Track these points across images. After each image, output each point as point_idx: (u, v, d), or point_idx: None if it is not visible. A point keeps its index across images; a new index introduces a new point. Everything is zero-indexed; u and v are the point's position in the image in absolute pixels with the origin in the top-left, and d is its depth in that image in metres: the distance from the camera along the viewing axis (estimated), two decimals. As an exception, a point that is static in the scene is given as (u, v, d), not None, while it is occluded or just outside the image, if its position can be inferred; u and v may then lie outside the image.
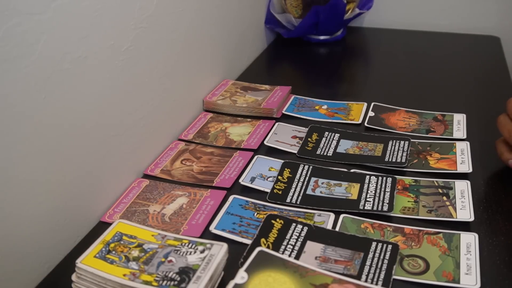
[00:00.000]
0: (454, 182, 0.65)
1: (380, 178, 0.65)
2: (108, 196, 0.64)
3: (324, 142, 0.75)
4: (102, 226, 0.60)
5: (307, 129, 0.78)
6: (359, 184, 0.65)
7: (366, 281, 0.50)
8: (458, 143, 0.73)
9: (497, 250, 0.55)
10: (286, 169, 0.68)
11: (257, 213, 0.61)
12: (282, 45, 1.18)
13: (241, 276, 0.47)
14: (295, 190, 0.65)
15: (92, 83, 0.58)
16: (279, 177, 0.67)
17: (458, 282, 0.50)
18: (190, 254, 0.51)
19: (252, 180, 0.67)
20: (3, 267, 0.49)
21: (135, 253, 0.51)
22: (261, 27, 1.15)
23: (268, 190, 0.65)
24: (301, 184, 0.66)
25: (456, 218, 0.59)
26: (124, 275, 0.48)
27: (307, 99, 0.89)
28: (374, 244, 0.55)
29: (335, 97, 0.90)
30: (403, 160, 0.69)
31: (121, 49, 0.63)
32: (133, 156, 0.68)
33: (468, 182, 0.64)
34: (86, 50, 0.56)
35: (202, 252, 0.51)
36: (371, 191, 0.63)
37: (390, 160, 0.69)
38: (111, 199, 0.64)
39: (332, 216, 0.60)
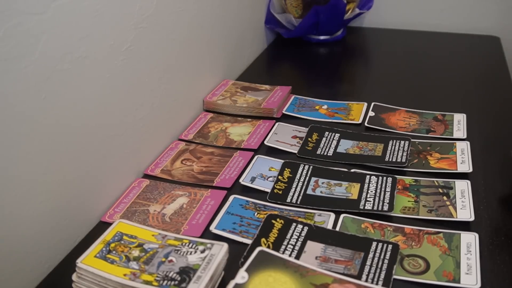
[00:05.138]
0: (454, 182, 0.65)
1: (380, 178, 0.65)
2: (109, 196, 0.64)
3: (324, 142, 0.75)
4: (102, 226, 0.60)
5: (307, 129, 0.78)
6: (359, 184, 0.65)
7: (366, 281, 0.50)
8: (458, 143, 0.73)
9: (497, 250, 0.55)
10: (286, 169, 0.68)
11: (258, 213, 0.61)
12: (282, 45, 1.18)
13: (241, 276, 0.47)
14: (295, 190, 0.65)
15: (92, 83, 0.58)
16: (279, 177, 0.67)
17: (459, 282, 0.50)
18: (190, 254, 0.51)
19: (253, 180, 0.67)
20: (3, 267, 0.49)
21: (136, 253, 0.51)
22: (261, 27, 1.15)
23: (268, 190, 0.65)
24: (301, 184, 0.66)
25: (456, 218, 0.59)
26: (125, 275, 0.48)
27: (307, 99, 0.89)
28: (374, 244, 0.55)
29: (335, 97, 0.90)
30: (403, 160, 0.69)
31: (121, 49, 0.63)
32: (133, 156, 0.68)
33: (468, 182, 0.64)
34: (86, 50, 0.56)
35: (202, 252, 0.51)
36: (371, 191, 0.63)
37: (390, 160, 0.69)
38: (112, 199, 0.64)
39: (333, 216, 0.60)
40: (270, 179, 0.67)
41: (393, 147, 0.72)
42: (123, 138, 0.65)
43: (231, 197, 0.63)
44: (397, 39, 1.20)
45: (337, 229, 0.58)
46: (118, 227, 0.54)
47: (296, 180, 0.66)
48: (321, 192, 0.64)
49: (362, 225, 0.59)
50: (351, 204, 0.62)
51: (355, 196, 0.63)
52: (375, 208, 0.61)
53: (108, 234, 0.53)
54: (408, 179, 0.66)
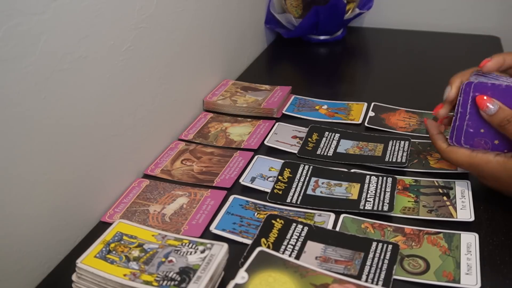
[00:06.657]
0: (454, 182, 0.65)
1: (380, 178, 0.65)
2: (108, 196, 0.64)
3: (324, 142, 0.75)
4: (102, 226, 0.60)
5: (307, 129, 0.77)
6: (359, 184, 0.65)
7: (366, 281, 0.50)
8: (458, 143, 0.72)
9: (497, 250, 0.55)
10: (286, 169, 0.68)
11: (258, 213, 0.61)
12: (282, 45, 1.18)
13: (241, 276, 0.47)
14: (295, 190, 0.65)
15: (92, 83, 0.58)
16: (279, 177, 0.67)
17: (459, 282, 0.50)
18: (190, 254, 0.51)
19: (252, 180, 0.67)
20: (3, 267, 0.49)
21: (136, 253, 0.51)
22: (261, 27, 1.15)
23: (268, 190, 0.65)
24: (301, 184, 0.66)
25: (457, 218, 0.59)
26: (125, 275, 0.48)
27: (307, 99, 0.89)
28: (374, 244, 0.55)
29: (335, 97, 0.90)
30: (403, 160, 0.69)
31: (121, 49, 0.62)
32: (133, 156, 0.68)
33: (468, 182, 0.64)
34: (86, 50, 0.56)
35: (202, 252, 0.51)
36: (372, 191, 0.63)
37: (390, 160, 0.69)
38: (111, 199, 0.64)
39: (333, 216, 0.60)
40: (270, 179, 0.67)
41: (393, 147, 0.72)
42: (123, 138, 0.65)
43: (231, 197, 0.63)
44: (397, 39, 1.20)
45: (337, 229, 0.58)
46: (118, 227, 0.54)
47: (296, 180, 0.66)
48: (321, 192, 0.64)
49: (362, 225, 0.59)
50: (351, 204, 0.62)
51: (355, 196, 0.63)
52: (375, 208, 0.61)
53: (108, 234, 0.53)
54: (408, 179, 0.66)
